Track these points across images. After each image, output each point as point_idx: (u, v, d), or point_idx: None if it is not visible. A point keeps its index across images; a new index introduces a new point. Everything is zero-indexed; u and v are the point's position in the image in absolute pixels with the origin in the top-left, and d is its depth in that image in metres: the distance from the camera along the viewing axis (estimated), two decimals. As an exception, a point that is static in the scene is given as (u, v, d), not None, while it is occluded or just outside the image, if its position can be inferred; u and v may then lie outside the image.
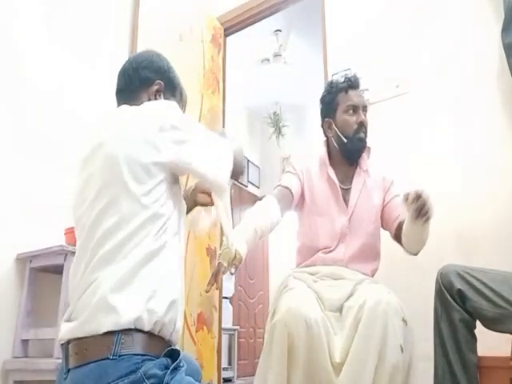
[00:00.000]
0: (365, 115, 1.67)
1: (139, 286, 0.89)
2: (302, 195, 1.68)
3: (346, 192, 1.65)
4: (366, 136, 1.66)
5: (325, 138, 1.76)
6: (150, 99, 1.14)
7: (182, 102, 1.24)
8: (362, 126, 1.64)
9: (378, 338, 1.22)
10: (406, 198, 1.35)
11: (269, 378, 1.27)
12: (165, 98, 1.16)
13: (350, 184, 1.66)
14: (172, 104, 1.07)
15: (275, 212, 1.54)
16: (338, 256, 1.56)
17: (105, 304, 0.86)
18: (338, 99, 1.68)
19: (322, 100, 1.75)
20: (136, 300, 0.88)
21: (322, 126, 1.74)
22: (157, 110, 1.03)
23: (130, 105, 1.07)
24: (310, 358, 1.26)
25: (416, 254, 1.58)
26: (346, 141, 1.65)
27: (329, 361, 1.27)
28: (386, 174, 1.73)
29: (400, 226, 1.57)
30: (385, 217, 1.67)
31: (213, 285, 1.24)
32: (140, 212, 0.93)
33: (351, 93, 1.68)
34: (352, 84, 1.69)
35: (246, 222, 1.47)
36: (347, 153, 1.68)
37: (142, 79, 1.14)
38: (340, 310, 1.41)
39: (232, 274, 1.30)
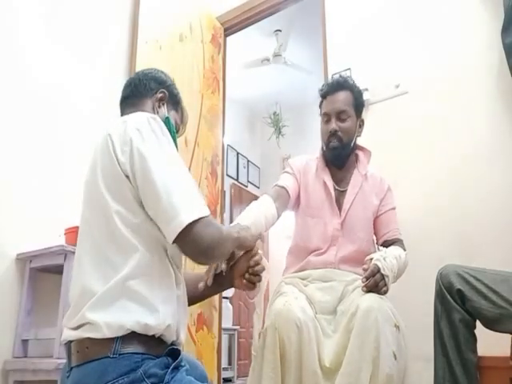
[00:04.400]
0: (342, 121, 1.60)
1: (137, 298, 0.88)
2: (299, 195, 1.66)
3: (341, 195, 1.63)
4: (342, 143, 1.60)
5: None
6: (153, 107, 1.18)
7: (183, 123, 1.28)
8: (332, 135, 1.60)
9: (371, 348, 1.20)
10: (365, 270, 1.37)
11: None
12: (167, 110, 1.20)
13: (347, 187, 1.64)
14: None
15: (271, 211, 1.50)
16: (329, 258, 1.54)
17: (100, 313, 0.86)
18: (321, 106, 1.69)
19: None
20: (134, 310, 0.87)
21: None
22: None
23: (135, 111, 1.10)
24: (300, 361, 1.26)
25: None
26: (324, 148, 1.67)
27: (318, 364, 1.27)
28: (383, 177, 1.70)
29: (384, 246, 1.58)
30: (375, 227, 1.66)
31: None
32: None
33: (328, 99, 1.64)
34: (327, 90, 1.64)
35: (241, 221, 1.41)
36: (329, 159, 1.68)
37: (147, 88, 1.19)
38: (332, 313, 1.40)
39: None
